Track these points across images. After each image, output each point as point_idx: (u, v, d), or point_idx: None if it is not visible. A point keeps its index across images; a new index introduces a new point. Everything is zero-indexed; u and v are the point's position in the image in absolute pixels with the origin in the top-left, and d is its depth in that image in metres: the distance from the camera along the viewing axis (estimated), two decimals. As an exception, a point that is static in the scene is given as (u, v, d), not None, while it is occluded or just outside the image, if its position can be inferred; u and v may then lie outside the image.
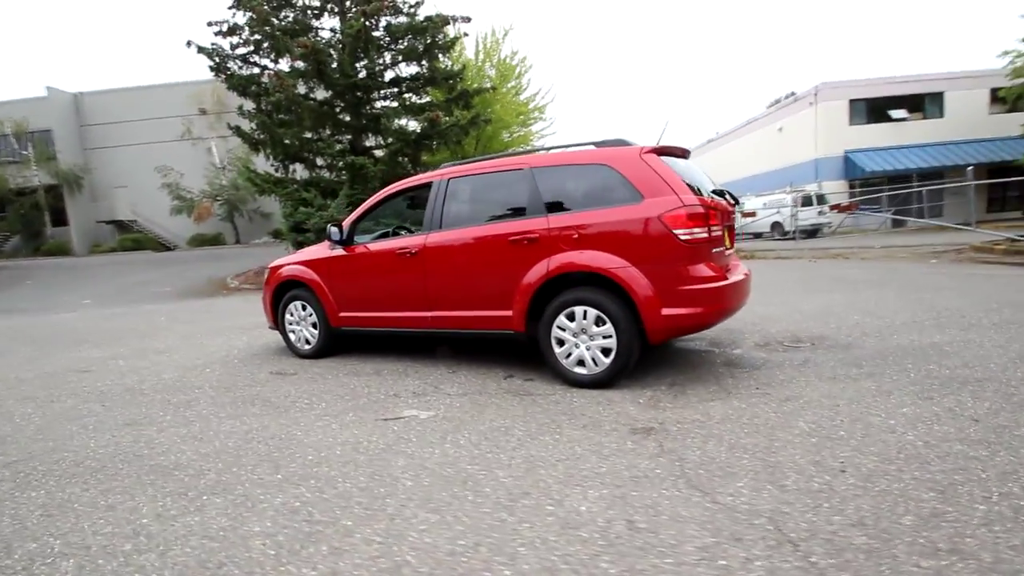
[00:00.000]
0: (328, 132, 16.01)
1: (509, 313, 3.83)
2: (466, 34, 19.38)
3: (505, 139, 21.97)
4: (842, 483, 2.15)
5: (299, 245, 14.73)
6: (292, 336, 5.09)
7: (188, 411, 3.64)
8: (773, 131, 25.98)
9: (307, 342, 5.01)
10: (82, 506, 2.35)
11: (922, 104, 22.81)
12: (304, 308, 4.97)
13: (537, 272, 3.66)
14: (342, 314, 4.71)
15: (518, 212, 3.88)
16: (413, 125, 16.98)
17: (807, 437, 2.60)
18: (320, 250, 4.94)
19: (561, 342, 3.67)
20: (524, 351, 4.57)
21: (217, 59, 14.83)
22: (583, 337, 3.59)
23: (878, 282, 7.75)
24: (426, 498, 2.21)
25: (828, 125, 22.66)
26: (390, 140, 16.34)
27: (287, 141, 15.25)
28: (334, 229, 4.61)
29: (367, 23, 14.77)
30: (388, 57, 16.26)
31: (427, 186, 4.39)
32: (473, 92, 16.94)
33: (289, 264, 5.11)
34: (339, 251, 4.72)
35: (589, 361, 3.57)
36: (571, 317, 3.61)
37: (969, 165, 20.97)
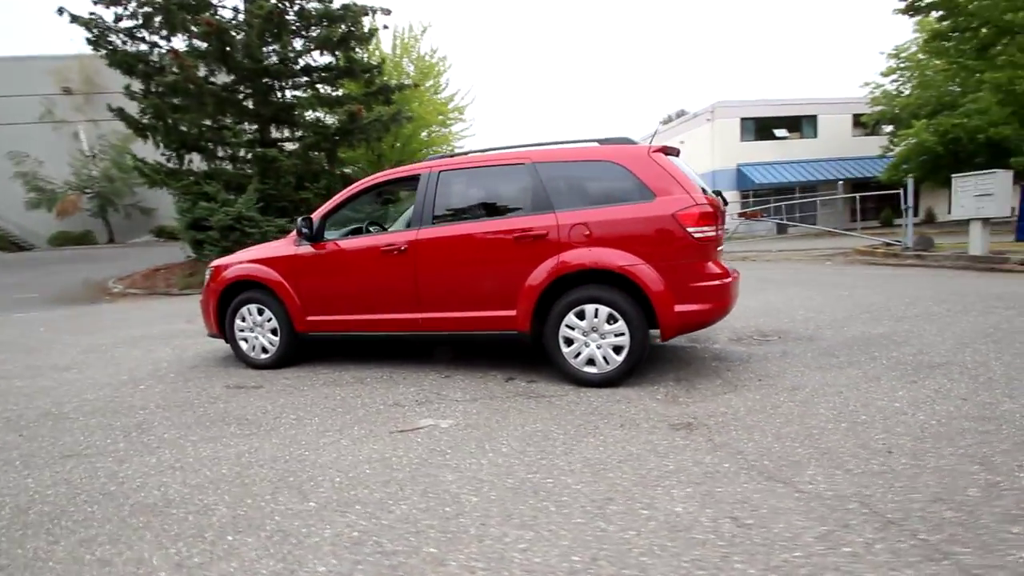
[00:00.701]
0: (230, 120, 14.61)
1: (512, 313, 3.67)
2: (385, 26, 18.68)
3: (424, 138, 21.53)
4: (897, 463, 2.27)
5: (198, 244, 13.27)
6: (244, 344, 4.51)
7: (145, 436, 3.06)
8: (676, 144, 27.93)
9: (264, 350, 4.46)
10: (62, 565, 1.85)
11: (800, 125, 25.81)
12: (261, 312, 4.41)
13: (545, 270, 3.54)
14: (310, 318, 4.25)
15: (520, 208, 3.73)
16: (330, 118, 16.04)
17: (836, 423, 2.74)
18: (280, 246, 4.42)
19: (569, 341, 3.58)
20: (516, 352, 4.42)
21: (96, 31, 12.93)
22: (593, 336, 3.52)
23: (797, 282, 8.54)
24: (505, 513, 2.01)
25: (723, 140, 24.85)
26: (304, 133, 15.28)
27: (183, 128, 13.72)
28: (304, 223, 4.13)
29: (279, 4, 13.70)
30: (299, 44, 15.20)
31: (413, 179, 4.09)
32: (395, 87, 16.35)
33: (239, 263, 4.52)
34: (306, 248, 4.25)
35: (600, 360, 3.52)
36: (581, 315, 3.53)
37: (839, 180, 24.26)
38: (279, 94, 15.27)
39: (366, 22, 15.13)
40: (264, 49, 14.01)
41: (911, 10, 12.04)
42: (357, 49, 15.94)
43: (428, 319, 3.89)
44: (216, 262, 4.72)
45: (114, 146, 24.04)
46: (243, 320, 4.48)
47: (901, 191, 11.51)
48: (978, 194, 9.36)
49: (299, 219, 4.14)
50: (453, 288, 3.81)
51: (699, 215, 3.35)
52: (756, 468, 2.28)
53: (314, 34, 15.06)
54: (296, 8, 14.36)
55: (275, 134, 15.50)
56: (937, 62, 19.07)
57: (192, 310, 8.79)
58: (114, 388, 4.13)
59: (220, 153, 14.75)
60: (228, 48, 13.17)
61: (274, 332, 4.39)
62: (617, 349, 3.49)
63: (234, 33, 13.34)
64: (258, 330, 4.45)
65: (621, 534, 1.84)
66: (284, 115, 15.34)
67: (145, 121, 13.49)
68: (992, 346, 4.00)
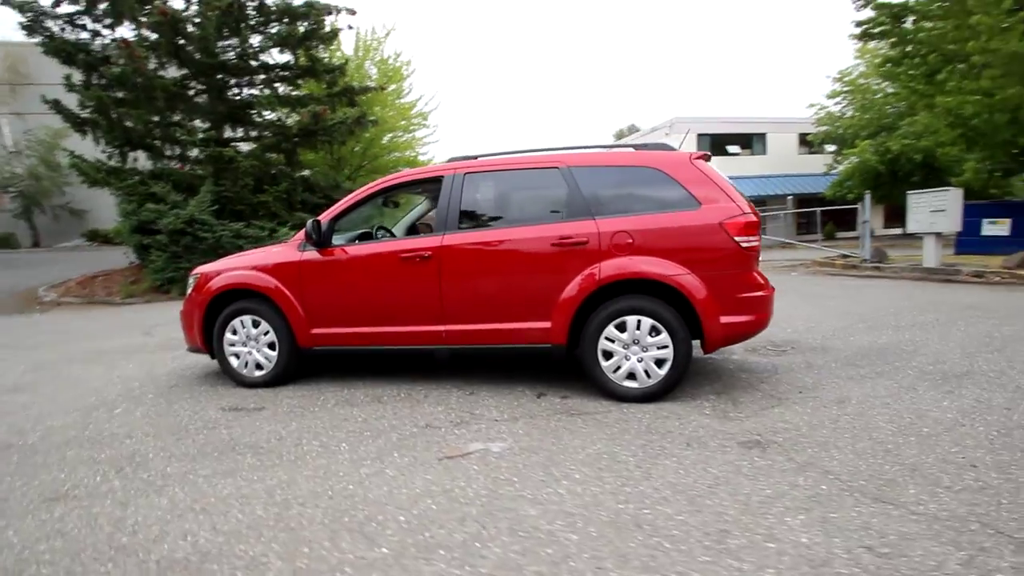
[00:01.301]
0: (179, 117, 13.67)
1: (547, 325, 3.45)
2: (350, 27, 18.15)
3: (385, 143, 21.03)
4: (987, 477, 2.21)
5: (144, 249, 12.26)
6: (235, 360, 4.05)
7: (143, 471, 2.62)
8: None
9: (258, 367, 4.02)
10: (93, 646, 1.47)
11: (751, 142, 27.05)
12: (256, 325, 3.98)
13: (586, 280, 3.35)
14: (316, 331, 3.86)
15: (556, 214, 3.53)
16: (290, 118, 15.31)
17: (903, 436, 2.68)
18: (281, 252, 4.01)
19: (608, 355, 3.40)
20: (535, 365, 4.19)
21: (31, 15, 11.79)
22: (634, 348, 3.36)
23: (778, 291, 8.73)
24: (618, 554, 1.79)
25: (679, 153, 25.60)
26: (264, 132, 14.52)
27: (129, 124, 12.69)
28: (313, 227, 3.76)
29: (240, -2, 12.97)
30: (258, 40, 14.45)
31: (435, 181, 3.82)
32: (360, 89, 15.84)
33: (231, 270, 4.07)
34: (312, 254, 3.87)
35: (641, 374, 3.35)
36: (621, 327, 3.36)
37: (788, 195, 25.56)
38: (235, 91, 14.45)
39: (329, 21, 14.58)
40: (220, 43, 13.22)
41: (865, 36, 12.82)
42: (319, 48, 15.34)
43: (453, 332, 3.60)
44: (201, 269, 4.24)
45: (43, 142, 22.05)
46: (234, 333, 4.03)
47: (859, 206, 12.12)
48: (932, 210, 9.96)
49: (309, 222, 3.76)
50: (482, 298, 3.55)
51: (745, 224, 3.26)
52: (856, 489, 2.16)
53: (274, 31, 14.38)
54: (256, 2, 13.64)
55: (228, 133, 14.63)
56: (880, 85, 20.47)
57: (148, 320, 8.03)
58: (84, 413, 3.59)
59: (168, 152, 13.77)
60: (181, 40, 12.33)
61: (271, 347, 3.97)
62: (659, 362, 3.34)
63: (188, 26, 12.50)
64: (252, 344, 4.01)
65: (760, 573, 1.66)
66: (240, 114, 14.52)
67: (85, 115, 12.40)
68: (998, 355, 4.13)
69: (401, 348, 3.74)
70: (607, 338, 3.38)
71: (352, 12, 15.03)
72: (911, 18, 11.94)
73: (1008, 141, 10.22)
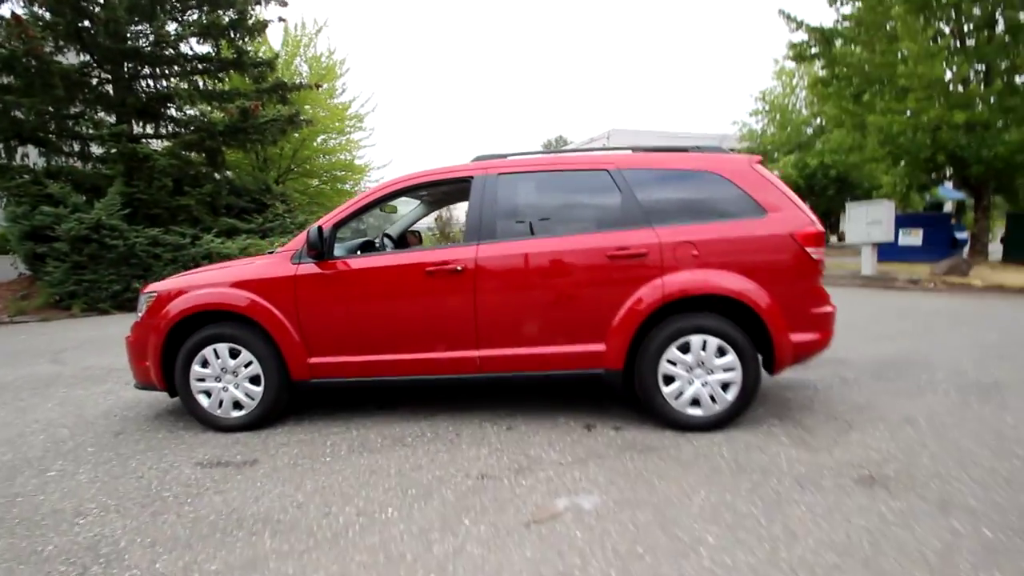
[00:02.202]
0: (80, 108, 11.93)
1: (601, 347, 3.03)
2: (282, 19, 16.90)
3: (318, 145, 19.79)
4: None
5: (37, 258, 10.48)
6: (205, 399, 3.27)
7: (121, 569, 1.90)
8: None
9: (237, 406, 3.27)
10: None
11: (681, 154, 28.18)
12: (235, 354, 3.23)
13: (648, 295, 2.97)
14: (316, 360, 3.19)
15: (607, 221, 3.12)
16: (216, 114, 13.86)
17: (1006, 459, 2.53)
18: (269, 266, 3.29)
19: (669, 379, 3.03)
20: (559, 390, 3.74)
21: None
22: (698, 371, 3.02)
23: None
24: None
25: (615, 163, 26.22)
26: (183, 129, 13.04)
27: (18, 114, 10.88)
28: (315, 236, 3.07)
29: (157, -23, 11.58)
30: (176, 28, 12.99)
31: (462, 181, 3.29)
32: (292, 86, 14.69)
33: (201, 288, 3.29)
34: (309, 267, 3.20)
35: (706, 399, 3.02)
36: (684, 349, 3.01)
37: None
38: (149, 83, 12.89)
39: (256, 12, 13.39)
40: (132, 28, 11.71)
41: (798, 57, 13.62)
42: (245, 40, 14.07)
43: (490, 358, 3.08)
44: (158, 287, 3.41)
45: None
46: (205, 366, 3.25)
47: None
48: (869, 221, 10.62)
49: (310, 229, 3.08)
50: (525, 318, 3.07)
51: (816, 235, 3.03)
52: (1020, 532, 1.92)
53: (194, 18, 13.01)
54: (175, -16, 12.24)
55: (141, 129, 13.01)
56: (795, 106, 22.01)
57: (53, 344, 6.68)
58: (1, 479, 2.70)
59: (67, 148, 11.99)
60: (85, 22, 10.76)
61: (255, 380, 3.24)
62: (724, 386, 3.02)
63: (94, 6, 10.94)
64: (229, 378, 3.25)
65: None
66: (155, 107, 12.95)
67: (-42, 101, 10.44)
68: (1010, 363, 4.22)
69: (425, 379, 3.16)
70: (669, 361, 3.01)
71: (283, 3, 13.95)
72: (840, 41, 12.77)
73: (928, 159, 11.15)
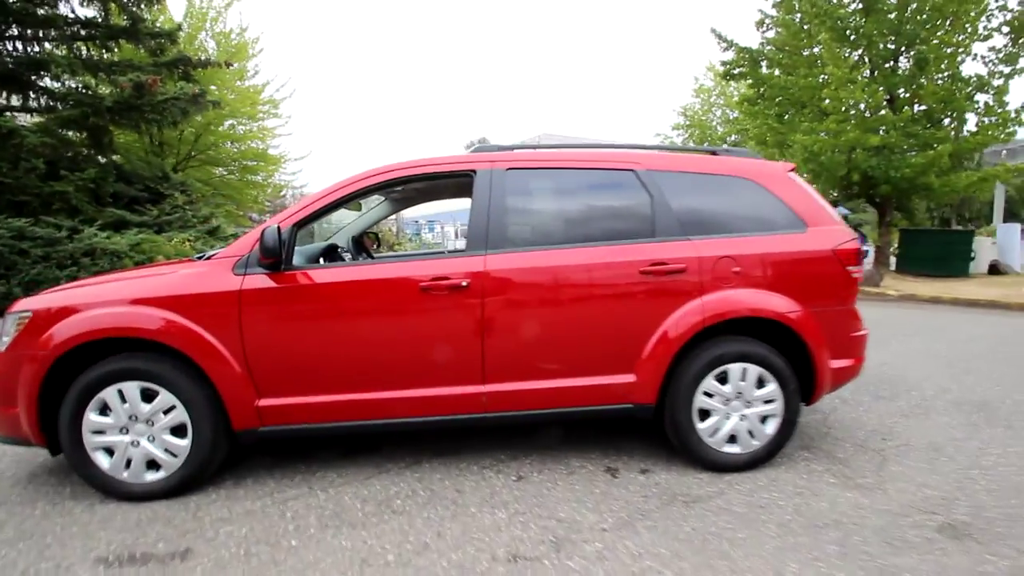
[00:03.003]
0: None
1: (631, 378, 2.56)
2: (188, -13, 15.04)
3: (225, 130, 17.92)
4: None
5: None
6: (107, 459, 2.39)
7: None
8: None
9: (153, 466, 2.42)
10: None
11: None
12: (149, 397, 2.39)
13: (687, 318, 2.54)
14: (268, 403, 2.43)
15: (637, 231, 2.66)
16: (103, 88, 11.92)
17: (1067, 500, 2.36)
18: (199, 275, 2.46)
19: (705, 414, 2.63)
20: (552, 424, 3.23)
21: None
22: (735, 404, 2.64)
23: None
24: None
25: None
26: (60, 103, 11.09)
27: None
28: (271, 239, 2.30)
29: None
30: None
31: (461, 176, 2.68)
32: (198, 62, 13.07)
33: (100, 306, 2.41)
34: (259, 279, 2.43)
35: (744, 436, 2.65)
36: (722, 378, 2.62)
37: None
38: (16, 45, 10.84)
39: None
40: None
41: (728, 76, 14.16)
42: (141, 6, 12.29)
43: (500, 395, 2.50)
44: (34, 303, 2.47)
45: None
46: (105, 413, 2.38)
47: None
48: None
49: (266, 229, 2.31)
50: (542, 345, 2.52)
51: (856, 252, 2.76)
52: None
53: (75, -27, 11.13)
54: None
55: (5, 100, 10.90)
56: (712, 123, 23.16)
57: None
58: None
59: None
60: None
61: (179, 431, 2.42)
62: (762, 419, 2.67)
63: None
64: (141, 429, 2.40)
65: None
66: (23, 75, 10.91)
67: None
68: (980, 377, 4.29)
69: (414, 422, 2.51)
70: (706, 393, 2.61)
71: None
72: (765, 64, 13.41)
73: (843, 176, 11.95)
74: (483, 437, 3.07)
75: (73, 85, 11.98)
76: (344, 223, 4.11)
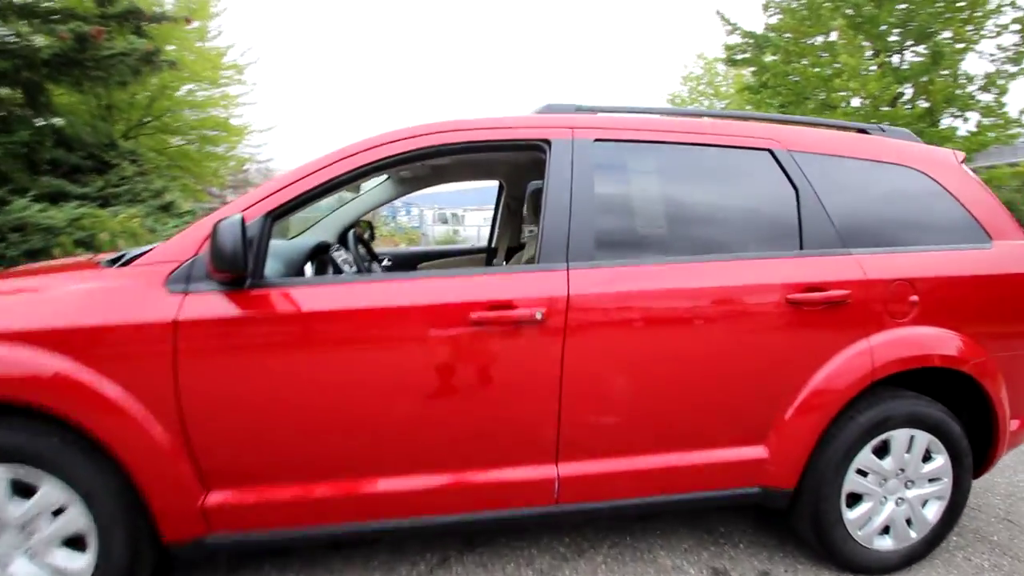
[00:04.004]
0: None
1: (761, 453, 1.80)
2: (138, -73, 13.34)
3: (182, 96, 16.33)
4: None
5: None
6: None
7: None
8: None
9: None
10: None
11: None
12: (28, 491, 1.48)
13: (849, 367, 1.78)
14: (221, 498, 1.54)
15: (777, 239, 1.85)
16: (39, 39, 10.39)
17: None
18: (104, 293, 1.52)
19: (855, 498, 1.88)
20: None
21: None
22: (892, 484, 1.91)
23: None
24: None
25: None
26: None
27: None
28: (228, 235, 1.39)
29: None
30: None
31: (527, 147, 1.82)
32: (151, 16, 11.61)
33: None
34: (211, 301, 1.51)
35: (901, 526, 1.93)
36: (882, 450, 1.87)
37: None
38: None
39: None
40: None
41: (731, 61, 13.48)
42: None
43: (578, 479, 1.70)
44: None
45: None
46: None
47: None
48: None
49: (220, 224, 1.38)
50: (642, 406, 1.72)
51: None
52: None
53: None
54: None
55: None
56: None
57: None
58: None
59: None
60: None
61: (75, 543, 1.51)
62: (922, 502, 1.95)
63: None
64: (11, 541, 1.48)
65: None
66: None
67: None
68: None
69: (450, 521, 1.67)
70: (859, 470, 1.85)
71: (142, -95, 10.88)
72: (770, 53, 12.78)
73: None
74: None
75: (3, 33, 10.41)
76: (330, 207, 3.20)
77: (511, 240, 3.42)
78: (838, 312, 1.78)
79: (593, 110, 1.92)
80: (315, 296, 1.59)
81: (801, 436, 1.79)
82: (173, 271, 1.52)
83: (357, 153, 1.70)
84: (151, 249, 1.63)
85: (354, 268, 2.44)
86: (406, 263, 3.45)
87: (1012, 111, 11.20)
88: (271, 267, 1.71)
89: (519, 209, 3.28)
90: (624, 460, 1.72)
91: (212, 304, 1.48)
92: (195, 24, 16.09)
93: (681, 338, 1.71)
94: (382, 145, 1.73)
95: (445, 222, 19.55)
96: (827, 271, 1.78)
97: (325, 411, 1.55)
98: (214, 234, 1.39)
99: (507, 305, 1.58)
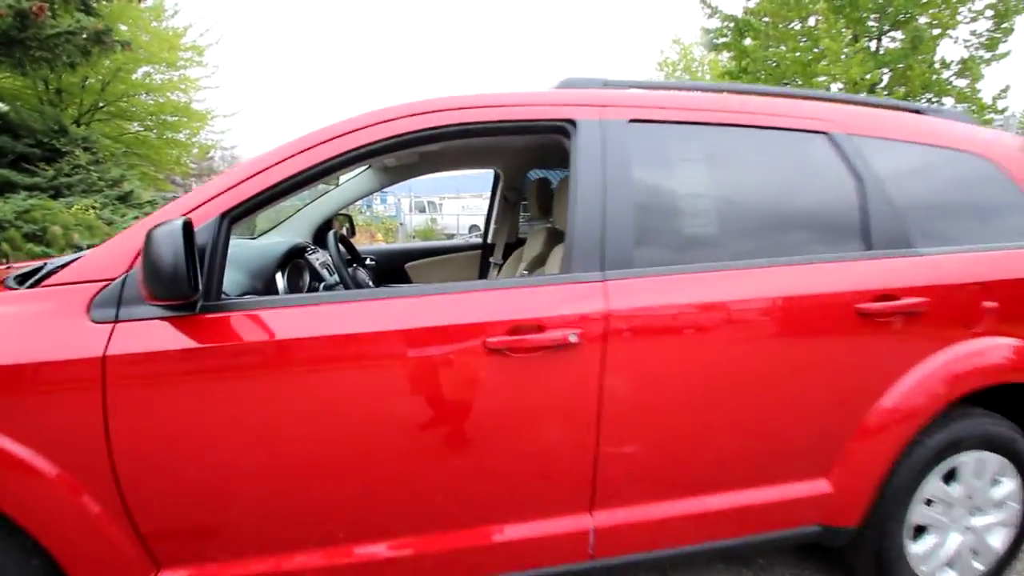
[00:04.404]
0: None
1: (823, 487, 1.56)
2: None
3: (139, 80, 15.43)
4: None
5: None
6: None
7: None
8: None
9: None
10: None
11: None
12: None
13: (925, 387, 1.54)
14: None
15: (837, 237, 1.59)
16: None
17: None
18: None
19: (920, 529, 1.66)
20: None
21: None
22: (958, 512, 1.69)
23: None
24: None
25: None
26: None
27: None
28: (165, 246, 1.03)
29: None
30: None
31: (549, 128, 1.49)
32: (102, -8, 10.81)
33: None
34: (150, 333, 1.17)
35: (965, 559, 1.72)
36: (949, 476, 1.65)
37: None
38: None
39: None
40: None
41: (711, 47, 13.28)
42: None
43: (616, 529, 1.43)
44: None
45: None
46: None
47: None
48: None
49: (154, 232, 1.03)
50: (690, 440, 1.45)
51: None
52: None
53: None
54: None
55: None
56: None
57: None
58: None
59: None
60: None
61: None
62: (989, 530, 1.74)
63: None
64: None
65: None
66: None
67: None
68: None
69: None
70: (926, 500, 1.63)
71: None
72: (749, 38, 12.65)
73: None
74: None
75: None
76: (303, 200, 2.83)
77: (509, 235, 3.11)
78: (912, 323, 1.53)
79: (621, 85, 1.61)
80: (291, 320, 1.25)
81: (870, 466, 1.55)
82: (98, 292, 1.17)
83: (337, 137, 1.36)
84: (75, 260, 1.27)
85: (335, 275, 2.10)
86: (392, 261, 3.11)
87: (986, 97, 11.36)
88: (232, 279, 1.38)
89: (517, 201, 2.99)
90: (670, 504, 1.46)
91: (152, 335, 1.15)
92: (149, 2, 15.21)
93: (738, 358, 1.45)
94: (366, 128, 1.39)
95: (423, 211, 19.05)
96: (900, 276, 1.53)
97: (307, 466, 1.23)
98: (146, 246, 1.04)
99: (533, 327, 1.28)
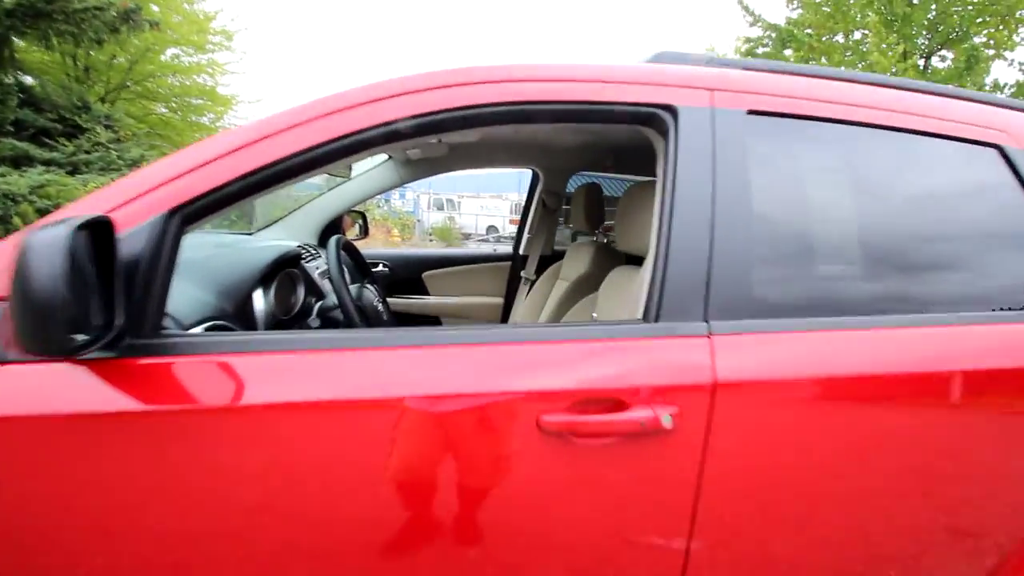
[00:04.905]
0: None
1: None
2: None
3: (167, 61, 15.34)
4: None
5: None
6: None
7: None
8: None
9: None
10: None
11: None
12: None
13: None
14: None
15: (1013, 285, 1.16)
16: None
17: None
18: None
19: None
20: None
21: None
22: None
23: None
24: None
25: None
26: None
27: None
28: (39, 267, 0.64)
29: None
30: None
31: (635, 116, 1.07)
32: (133, -34, 10.64)
33: None
34: (50, 384, 0.78)
35: None
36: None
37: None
38: None
39: None
40: None
41: (750, 54, 12.81)
42: None
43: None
44: None
45: None
46: None
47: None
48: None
49: (26, 241, 0.64)
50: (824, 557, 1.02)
51: None
52: None
53: None
54: None
55: None
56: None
57: None
58: None
59: None
60: None
61: None
62: None
63: None
64: None
65: None
66: None
67: None
68: None
69: None
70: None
71: None
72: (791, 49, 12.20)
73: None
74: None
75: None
76: (308, 195, 2.45)
77: (545, 247, 2.69)
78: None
79: (733, 65, 1.20)
80: (263, 371, 0.86)
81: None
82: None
83: (351, 107, 0.97)
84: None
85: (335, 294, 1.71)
86: (408, 268, 2.73)
87: (1040, 122, 10.80)
88: (186, 298, 0.99)
89: (557, 207, 2.58)
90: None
91: (48, 387, 0.76)
92: (181, -18, 15.09)
93: (874, 443, 1.02)
94: (388, 98, 1.00)
95: (441, 208, 18.75)
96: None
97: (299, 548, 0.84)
98: (16, 264, 0.65)
99: (609, 401, 0.88)
